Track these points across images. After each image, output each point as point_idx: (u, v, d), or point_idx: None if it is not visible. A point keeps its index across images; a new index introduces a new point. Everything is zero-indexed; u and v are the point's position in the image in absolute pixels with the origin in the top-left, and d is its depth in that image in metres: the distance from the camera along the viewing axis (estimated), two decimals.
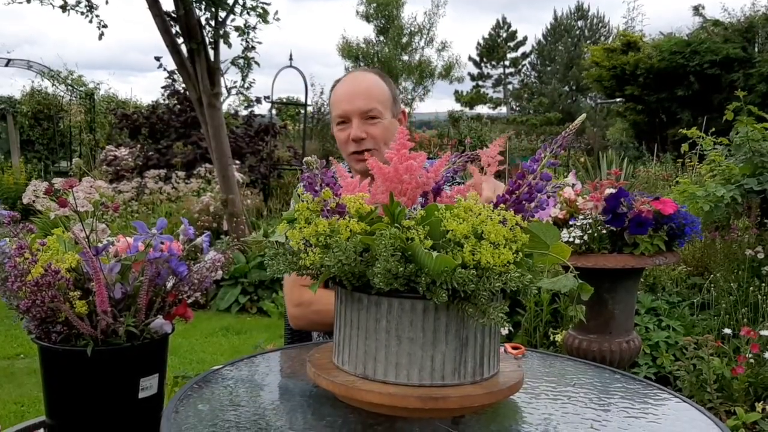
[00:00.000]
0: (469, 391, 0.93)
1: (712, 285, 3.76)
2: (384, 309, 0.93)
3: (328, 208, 0.96)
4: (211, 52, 5.84)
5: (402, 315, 0.92)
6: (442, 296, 0.88)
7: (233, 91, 6.54)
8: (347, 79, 1.75)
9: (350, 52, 24.31)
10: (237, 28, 5.99)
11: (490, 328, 0.97)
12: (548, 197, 0.97)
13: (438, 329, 0.92)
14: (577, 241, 1.95)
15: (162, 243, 1.17)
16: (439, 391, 0.92)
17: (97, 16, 5.95)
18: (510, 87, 41.42)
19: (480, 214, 0.91)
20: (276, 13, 6.12)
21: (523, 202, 0.97)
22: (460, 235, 0.89)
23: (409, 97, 24.10)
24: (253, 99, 8.57)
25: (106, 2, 5.71)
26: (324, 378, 0.97)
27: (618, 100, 13.73)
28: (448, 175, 1.12)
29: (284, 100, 13.69)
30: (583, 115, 1.05)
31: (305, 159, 1.01)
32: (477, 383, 0.96)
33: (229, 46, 5.94)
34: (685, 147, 4.37)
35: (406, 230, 0.89)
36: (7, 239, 1.14)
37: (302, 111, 9.59)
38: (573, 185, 2.18)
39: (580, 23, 40.27)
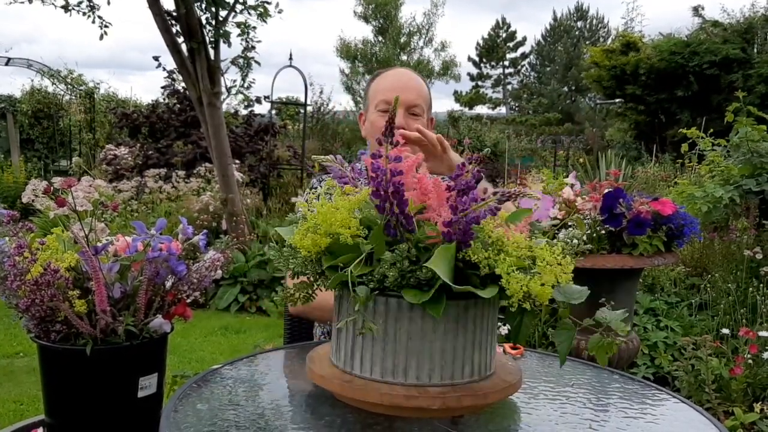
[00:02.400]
0: (468, 391, 0.93)
1: (711, 285, 3.76)
2: (382, 309, 0.93)
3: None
4: (212, 52, 5.83)
5: (400, 315, 0.92)
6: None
7: (233, 91, 6.54)
8: (396, 72, 1.82)
9: (348, 52, 24.31)
10: (238, 25, 5.99)
11: (488, 327, 0.97)
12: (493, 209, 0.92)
13: (436, 329, 0.92)
14: (576, 241, 1.95)
15: (161, 243, 1.18)
16: (438, 390, 0.92)
17: (99, 17, 5.96)
18: (509, 87, 41.43)
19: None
20: (277, 5, 6.12)
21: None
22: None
23: None
24: (253, 98, 8.56)
25: (108, 2, 5.71)
26: (323, 377, 0.97)
27: (617, 100, 13.73)
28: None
29: (284, 100, 13.68)
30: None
31: (320, 158, 0.98)
32: (475, 383, 0.96)
33: (229, 45, 5.94)
34: (684, 147, 4.37)
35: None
36: (7, 238, 1.14)
37: (302, 110, 9.57)
38: (572, 186, 2.18)
39: (579, 24, 40.29)
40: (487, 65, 41.31)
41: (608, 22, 40.07)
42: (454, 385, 0.94)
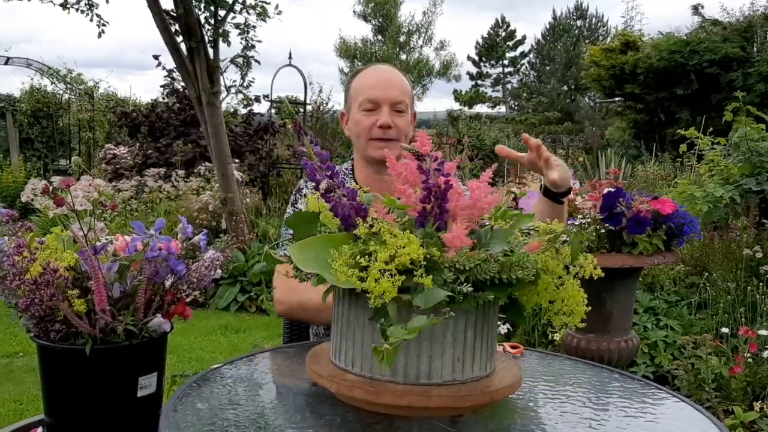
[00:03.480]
0: (467, 390, 0.93)
1: (711, 284, 3.76)
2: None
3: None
4: (211, 51, 5.83)
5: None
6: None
7: (232, 90, 6.54)
8: (377, 69, 1.77)
9: (348, 51, 24.30)
10: (237, 25, 5.99)
11: (488, 326, 0.97)
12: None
13: (435, 328, 0.92)
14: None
15: (160, 243, 1.17)
16: (437, 390, 0.92)
17: (97, 15, 5.95)
18: (509, 86, 41.41)
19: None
20: (277, 7, 6.12)
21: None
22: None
23: None
24: (252, 98, 8.55)
25: (107, 1, 5.70)
26: (322, 377, 0.97)
27: (617, 99, 13.72)
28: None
29: (283, 99, 13.66)
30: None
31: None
32: (475, 382, 0.96)
33: (229, 44, 5.94)
34: (683, 148, 4.37)
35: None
36: (6, 238, 1.14)
37: (301, 109, 9.56)
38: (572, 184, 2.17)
39: (579, 23, 40.27)
40: (487, 64, 41.30)
41: (608, 20, 40.08)
42: (454, 384, 0.93)
